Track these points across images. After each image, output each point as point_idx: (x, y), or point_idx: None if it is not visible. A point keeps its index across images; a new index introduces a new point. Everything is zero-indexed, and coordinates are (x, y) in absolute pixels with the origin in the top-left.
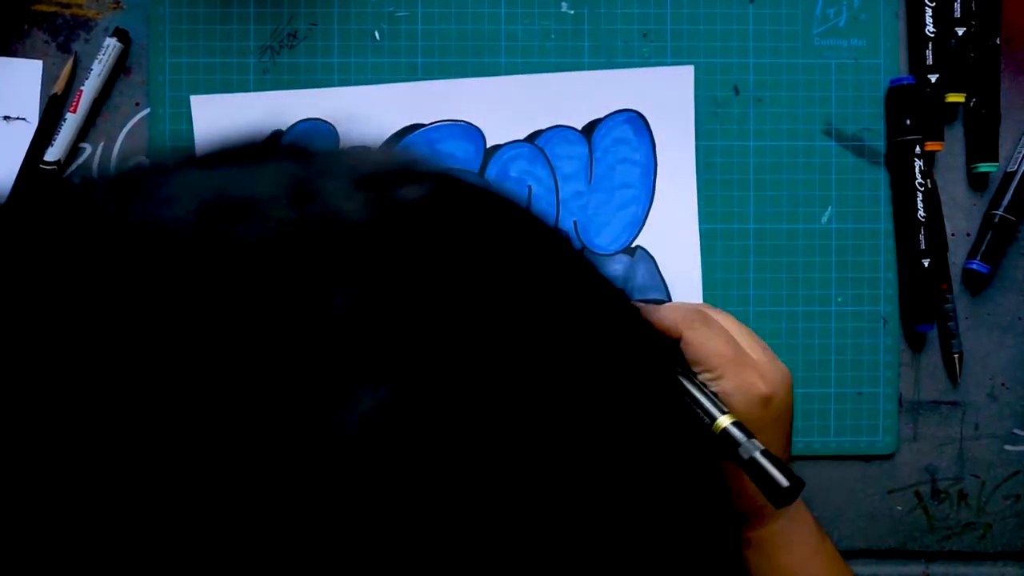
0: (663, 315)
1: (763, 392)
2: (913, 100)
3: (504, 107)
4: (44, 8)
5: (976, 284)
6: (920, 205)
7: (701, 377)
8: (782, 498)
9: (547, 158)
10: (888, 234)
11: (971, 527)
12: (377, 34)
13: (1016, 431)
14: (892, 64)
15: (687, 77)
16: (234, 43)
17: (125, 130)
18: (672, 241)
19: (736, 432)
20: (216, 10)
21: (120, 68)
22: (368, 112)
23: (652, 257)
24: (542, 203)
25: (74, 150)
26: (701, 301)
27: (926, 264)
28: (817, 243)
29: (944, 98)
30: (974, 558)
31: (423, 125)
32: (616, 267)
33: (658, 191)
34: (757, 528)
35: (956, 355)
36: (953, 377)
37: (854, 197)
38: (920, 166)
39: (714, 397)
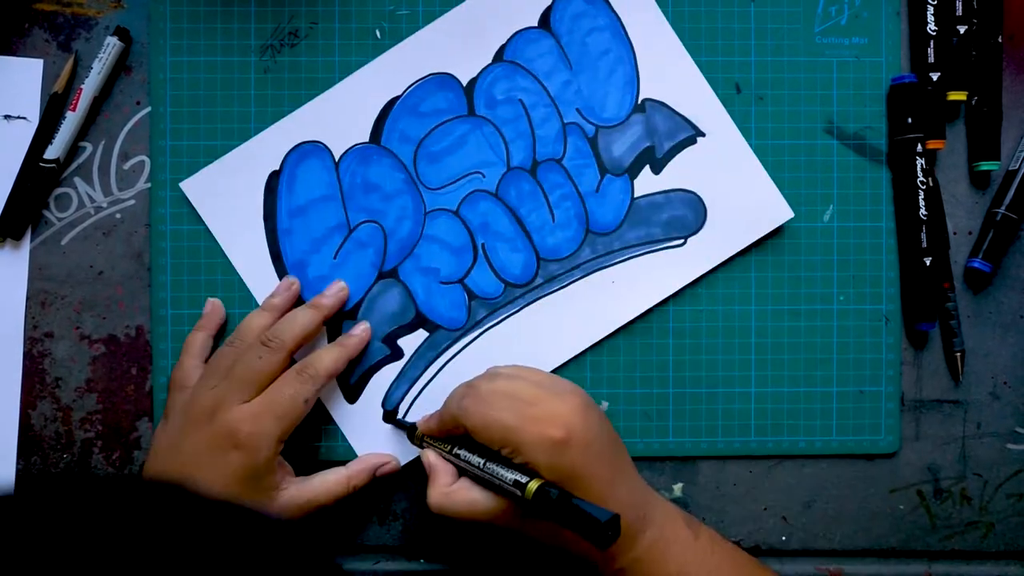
0: (444, 417)
1: (558, 437)
2: (915, 98)
3: (461, 40)
4: (45, 7)
5: (978, 282)
6: (922, 203)
7: (503, 454)
8: (603, 538)
9: (522, 66)
10: (890, 232)
11: (973, 526)
12: (378, 32)
13: (1018, 429)
14: (894, 62)
15: None
16: (235, 42)
17: (126, 129)
18: (672, 80)
19: (544, 492)
20: (217, 9)
21: (121, 67)
22: (344, 111)
23: (662, 102)
24: (539, 109)
25: (74, 149)
26: (728, 118)
27: (928, 262)
28: (819, 241)
29: (946, 96)
30: (977, 557)
31: (398, 96)
32: (635, 129)
33: (635, 42)
34: (625, 554)
35: (958, 354)
36: (955, 376)
37: (856, 195)
38: (922, 164)
39: (518, 469)
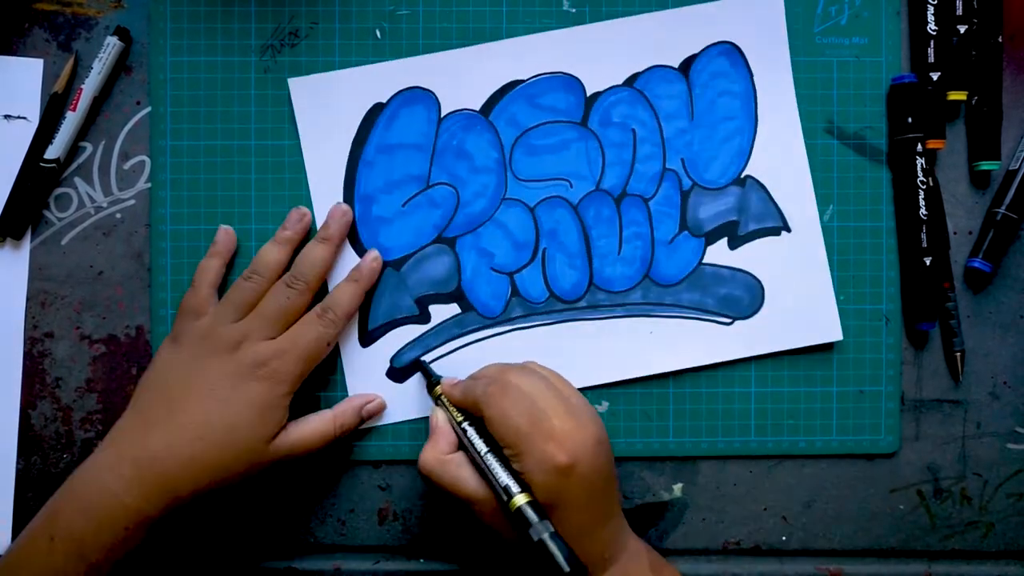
0: (471, 391)
1: (562, 463)
2: (915, 98)
3: (600, 53)
4: (45, 7)
5: (978, 282)
6: (922, 203)
7: (505, 452)
8: None
9: (647, 99)
10: (890, 232)
11: (973, 526)
12: (378, 32)
13: (1018, 429)
14: (894, 62)
15: (778, 3)
16: (235, 42)
17: (126, 129)
18: (780, 167)
19: (529, 512)
20: (217, 8)
21: (121, 67)
22: (466, 74)
23: (763, 185)
24: (647, 145)
25: (74, 149)
26: (817, 223)
27: (928, 262)
28: None
29: (946, 96)
30: (976, 557)
31: (522, 81)
32: (728, 199)
33: (761, 120)
34: None
35: (958, 353)
36: (955, 375)
37: (856, 195)
38: (922, 164)
39: (513, 475)
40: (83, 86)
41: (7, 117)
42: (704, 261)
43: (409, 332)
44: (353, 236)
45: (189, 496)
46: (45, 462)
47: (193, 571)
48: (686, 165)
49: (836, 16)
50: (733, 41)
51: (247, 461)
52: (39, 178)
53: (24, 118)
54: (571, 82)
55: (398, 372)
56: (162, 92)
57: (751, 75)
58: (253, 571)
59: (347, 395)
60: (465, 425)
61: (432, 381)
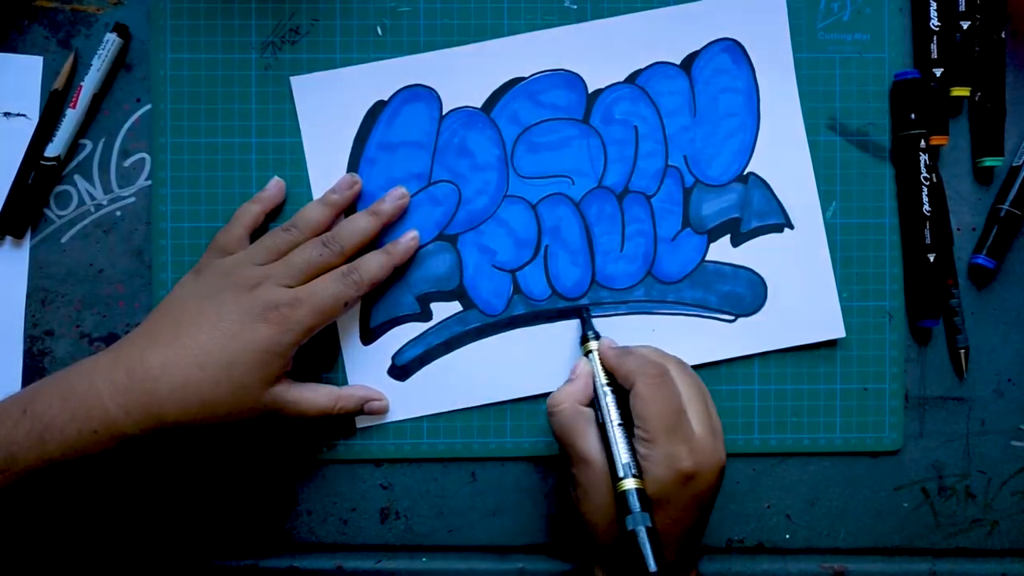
0: (627, 362)
1: (686, 468)
2: (918, 94)
3: (602, 50)
4: (45, 4)
5: (982, 279)
6: (925, 199)
7: (637, 434)
8: None
9: (649, 96)
10: (893, 229)
11: (978, 523)
12: (379, 29)
13: (1022, 427)
14: (896, 58)
15: (780, 0)
16: (235, 39)
17: (126, 126)
18: (783, 163)
19: (634, 499)
20: (217, 5)
21: (120, 64)
22: (468, 72)
23: (765, 182)
24: (649, 142)
25: (74, 146)
26: (820, 220)
27: (931, 259)
28: None
29: (949, 92)
30: (981, 555)
31: (523, 78)
32: (730, 196)
33: (763, 116)
34: None
35: (962, 350)
36: (959, 372)
37: (859, 192)
38: (925, 160)
39: (634, 458)
40: (83, 83)
41: (7, 115)
42: (707, 258)
43: (411, 330)
44: None
45: (173, 423)
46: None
47: (193, 570)
48: (688, 162)
49: (839, 12)
50: (735, 38)
51: (239, 401)
52: (39, 176)
53: (24, 116)
54: (573, 79)
55: (399, 370)
56: (162, 89)
57: (753, 72)
58: (255, 570)
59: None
60: (607, 389)
61: (588, 335)
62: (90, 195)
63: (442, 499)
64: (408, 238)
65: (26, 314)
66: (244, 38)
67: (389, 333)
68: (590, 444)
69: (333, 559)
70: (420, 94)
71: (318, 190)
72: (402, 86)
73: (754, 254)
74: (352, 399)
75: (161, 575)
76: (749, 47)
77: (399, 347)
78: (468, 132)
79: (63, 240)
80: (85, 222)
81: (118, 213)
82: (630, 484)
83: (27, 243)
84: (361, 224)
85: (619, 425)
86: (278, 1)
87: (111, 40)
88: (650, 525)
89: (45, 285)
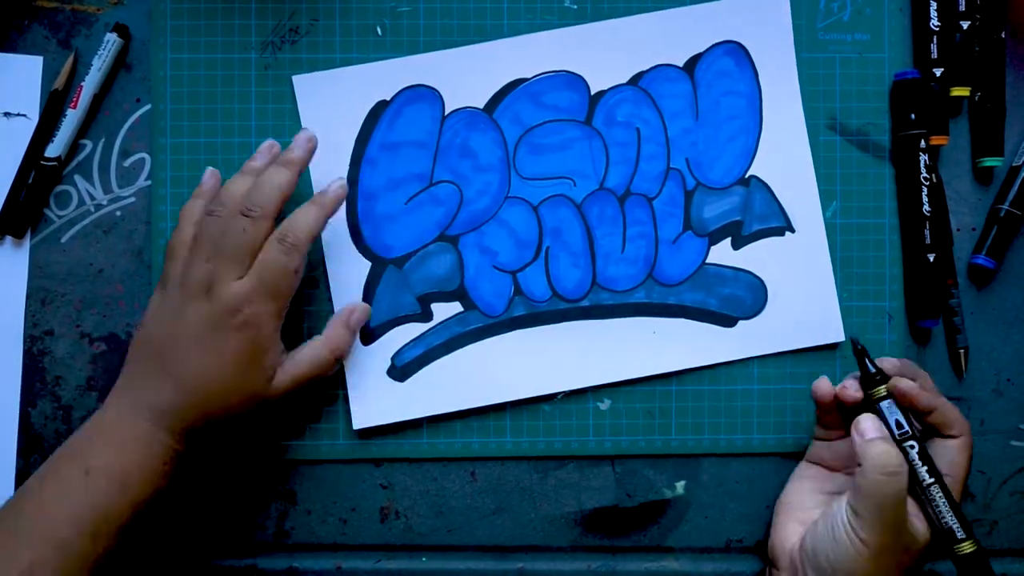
0: (947, 407)
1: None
2: (918, 94)
3: (604, 52)
4: (45, 4)
5: (981, 279)
6: (925, 200)
7: (949, 482)
8: None
9: (652, 99)
10: (893, 229)
11: (977, 523)
12: (379, 29)
13: (1022, 426)
14: (896, 58)
15: (784, 3)
16: (235, 38)
17: (126, 126)
18: (785, 167)
19: (983, 562)
20: (218, 5)
21: (120, 64)
22: (470, 72)
23: (767, 185)
24: (651, 144)
25: (75, 146)
26: (821, 223)
27: (931, 259)
28: None
29: (949, 92)
30: None
31: (526, 79)
32: (732, 199)
33: (765, 120)
34: None
35: (961, 350)
36: (959, 372)
37: (859, 192)
38: (925, 160)
39: (958, 516)
40: (83, 83)
41: (7, 115)
42: (707, 261)
43: (411, 330)
44: (356, 234)
45: (210, 432)
46: (45, 461)
47: (193, 570)
48: (690, 165)
49: (839, 12)
50: (738, 40)
51: (250, 403)
52: (39, 176)
53: (24, 116)
54: (575, 81)
55: (399, 371)
56: (162, 89)
57: (756, 75)
58: (255, 570)
59: (346, 393)
60: (913, 442)
61: (874, 376)
62: (90, 195)
63: (442, 499)
64: (336, 186)
65: (26, 314)
66: (244, 38)
67: (389, 334)
68: (917, 525)
69: (333, 559)
70: (423, 94)
71: (319, 188)
72: (405, 86)
73: (755, 257)
74: (338, 331)
75: (161, 575)
76: (752, 50)
77: (398, 348)
78: (470, 133)
79: (63, 240)
80: (85, 222)
81: (118, 213)
82: (969, 547)
83: (27, 243)
84: (276, 179)
85: (934, 484)
86: (278, 1)
87: (111, 40)
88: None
89: (45, 285)
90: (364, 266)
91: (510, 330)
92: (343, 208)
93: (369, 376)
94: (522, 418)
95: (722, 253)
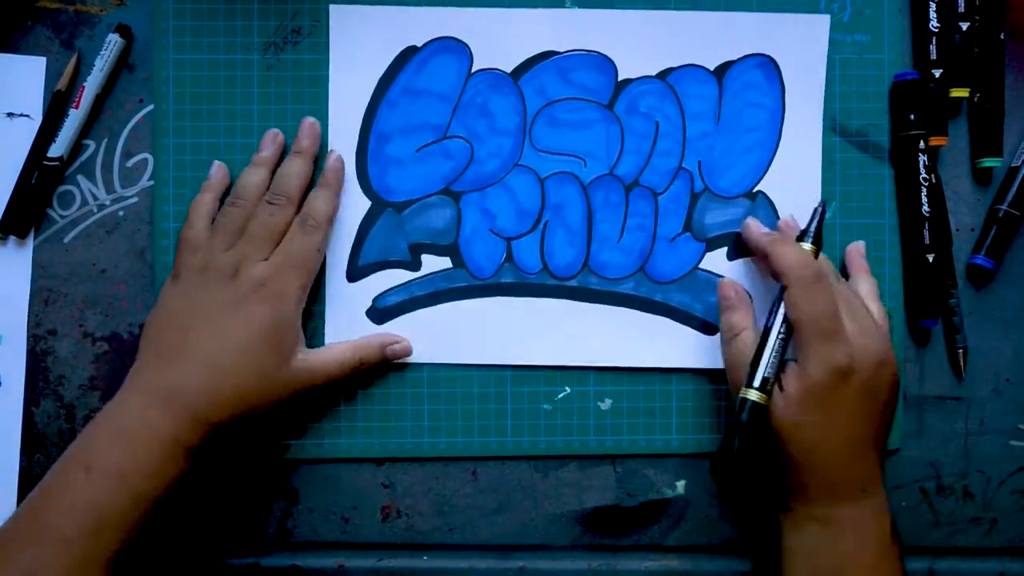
0: (784, 255)
1: (841, 364)
2: (917, 95)
3: (639, 42)
4: (47, 4)
5: (981, 279)
6: (924, 200)
7: (795, 336)
8: (715, 464)
9: (677, 96)
10: (892, 229)
11: (977, 522)
12: None
13: (1021, 426)
14: (896, 59)
15: (823, 27)
16: (238, 39)
17: (128, 126)
18: (793, 190)
19: (744, 403)
20: (220, 6)
21: (123, 64)
22: (504, 35)
23: (772, 203)
24: (667, 140)
25: (77, 147)
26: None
27: (930, 259)
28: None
29: (948, 93)
30: (980, 554)
31: (557, 53)
32: (736, 211)
33: (784, 139)
34: (819, 505)
35: (961, 350)
36: (958, 372)
37: (858, 192)
38: (924, 161)
39: (776, 372)
40: (85, 84)
41: (10, 115)
42: (700, 266)
43: (397, 276)
44: (362, 172)
45: (219, 422)
46: (48, 460)
47: (192, 569)
48: (702, 168)
49: (838, 13)
50: (772, 56)
51: (265, 386)
52: (42, 176)
53: (27, 116)
54: (605, 64)
55: (378, 313)
56: (165, 89)
57: (783, 92)
58: (256, 568)
59: (324, 327)
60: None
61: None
62: (93, 195)
63: (443, 498)
64: (332, 159)
65: (29, 314)
66: (246, 39)
67: (375, 275)
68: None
69: (334, 557)
70: (453, 47)
71: (337, 125)
72: (437, 36)
73: (748, 272)
74: (371, 347)
75: (162, 574)
76: (784, 67)
77: (382, 291)
78: (492, 94)
79: (66, 240)
80: (88, 222)
81: (121, 213)
82: (752, 396)
83: (30, 243)
84: (294, 168)
85: (781, 339)
86: (280, 2)
87: (114, 41)
88: (745, 422)
89: (48, 285)
90: (364, 204)
91: (494, 295)
92: (353, 143)
93: (348, 312)
94: (523, 417)
95: (716, 261)
